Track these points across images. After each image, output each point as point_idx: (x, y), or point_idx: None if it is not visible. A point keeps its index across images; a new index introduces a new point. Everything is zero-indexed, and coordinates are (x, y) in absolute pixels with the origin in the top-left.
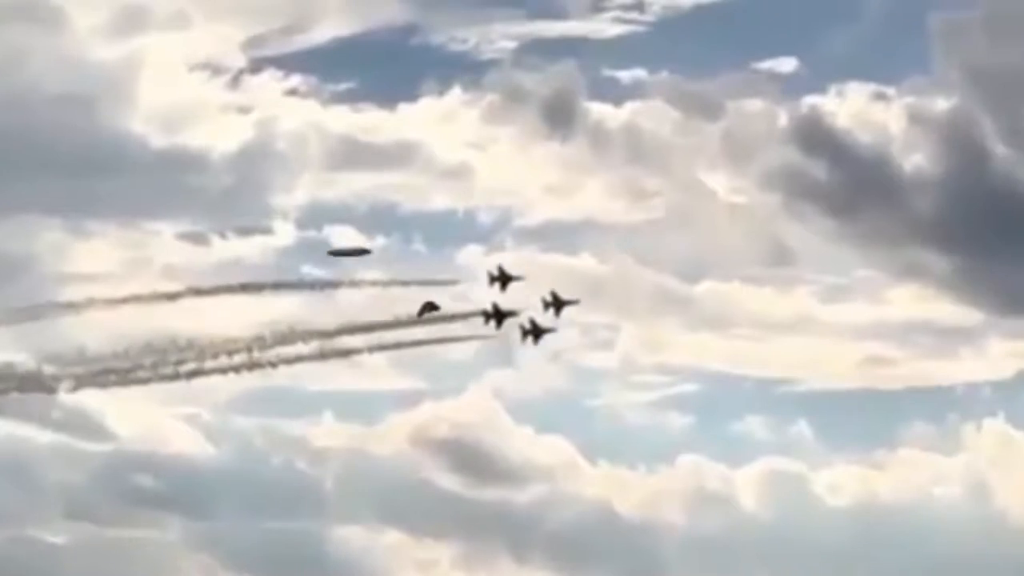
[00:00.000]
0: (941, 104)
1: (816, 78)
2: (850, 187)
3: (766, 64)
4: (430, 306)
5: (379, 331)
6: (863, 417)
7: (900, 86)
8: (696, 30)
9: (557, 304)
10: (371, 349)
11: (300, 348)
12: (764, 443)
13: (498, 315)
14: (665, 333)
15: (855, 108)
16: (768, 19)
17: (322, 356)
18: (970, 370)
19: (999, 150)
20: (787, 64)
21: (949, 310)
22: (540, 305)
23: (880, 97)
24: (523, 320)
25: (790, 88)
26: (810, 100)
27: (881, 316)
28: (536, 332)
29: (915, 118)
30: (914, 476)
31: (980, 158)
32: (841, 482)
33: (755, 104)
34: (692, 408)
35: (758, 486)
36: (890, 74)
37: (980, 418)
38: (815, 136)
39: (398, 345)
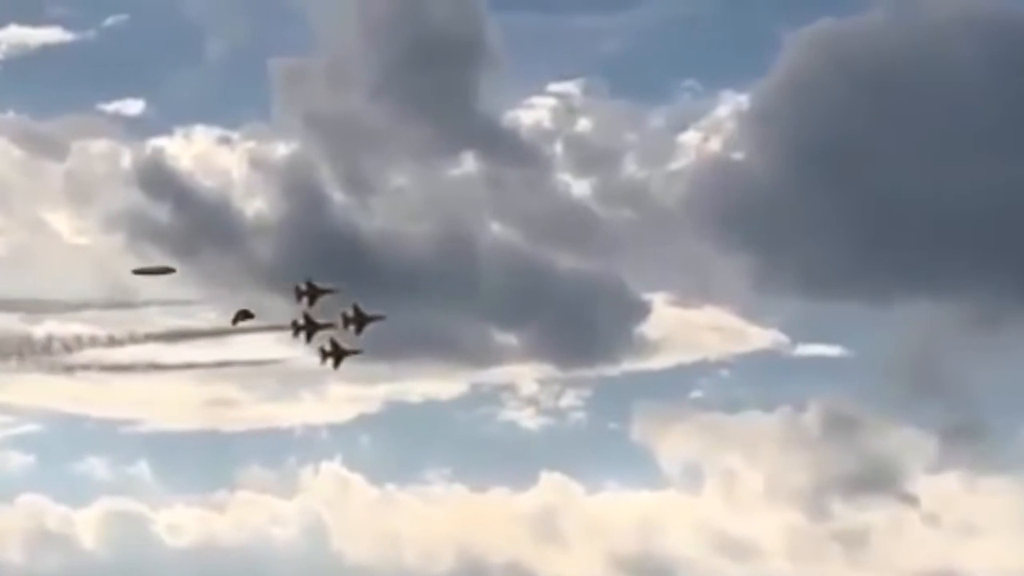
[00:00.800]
0: (281, 149)
1: (162, 120)
2: (192, 230)
3: (113, 106)
4: (244, 314)
5: None
6: (204, 458)
7: (242, 130)
8: (43, 71)
9: (360, 320)
10: None
11: None
12: (105, 483)
13: (309, 327)
14: (6, 373)
15: (199, 151)
16: (116, 61)
17: None
18: (310, 413)
19: (337, 196)
20: (134, 106)
21: (291, 352)
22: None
23: (224, 141)
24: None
25: (136, 130)
26: (155, 142)
27: (225, 357)
28: (338, 354)
29: (256, 163)
30: (253, 517)
31: (318, 203)
32: (181, 522)
33: (100, 145)
34: (33, 448)
35: (99, 526)
36: (234, 118)
37: (318, 460)
38: (159, 178)
39: None
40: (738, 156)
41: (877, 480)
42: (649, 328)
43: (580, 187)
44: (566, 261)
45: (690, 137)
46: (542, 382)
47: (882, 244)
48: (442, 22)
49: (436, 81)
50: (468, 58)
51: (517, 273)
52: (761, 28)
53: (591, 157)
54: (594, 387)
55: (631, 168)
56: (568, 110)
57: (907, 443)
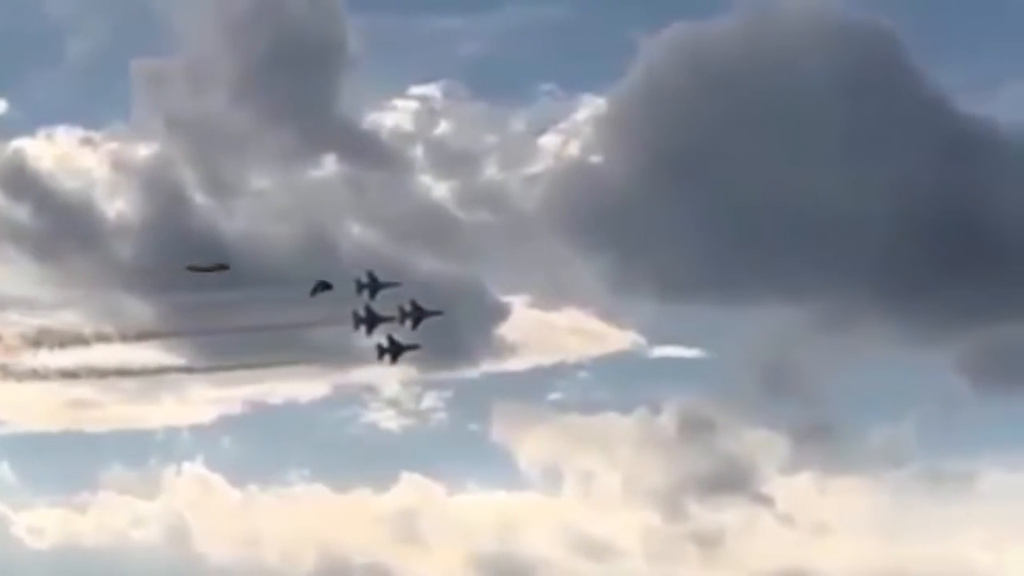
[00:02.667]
0: (143, 151)
1: (26, 121)
2: (54, 231)
3: None
4: (323, 285)
5: None
6: (66, 459)
7: (104, 131)
8: None
9: (417, 315)
10: None
11: None
12: None
13: (371, 319)
14: None
15: (61, 152)
16: None
17: None
18: (172, 414)
19: (198, 198)
20: None
21: (153, 355)
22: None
23: (86, 142)
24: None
25: None
26: (17, 143)
27: (87, 359)
28: (395, 350)
29: (118, 164)
30: (115, 518)
31: (180, 205)
32: (43, 524)
33: None
34: None
35: None
36: (96, 119)
37: (180, 462)
38: (21, 179)
39: None
40: (596, 159)
41: (732, 481)
42: (508, 330)
43: (440, 190)
44: (426, 263)
45: (550, 140)
46: (403, 384)
47: (737, 247)
48: (303, 24)
49: (297, 83)
50: (329, 61)
51: (380, 275)
52: (619, 32)
53: (451, 160)
54: (454, 389)
55: (491, 171)
56: (429, 113)
57: (761, 444)
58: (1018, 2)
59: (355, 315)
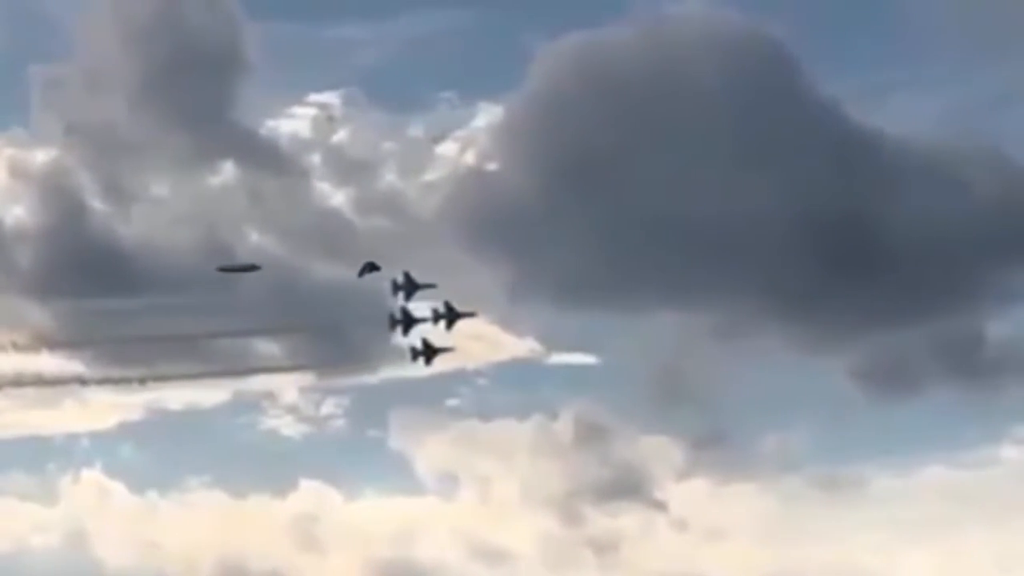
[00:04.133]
0: (40, 157)
1: None
2: None
3: None
4: (371, 266)
5: None
6: None
7: (2, 137)
8: None
9: (451, 316)
10: None
11: None
12: None
13: (407, 320)
14: None
15: None
16: None
17: None
18: (71, 420)
19: (96, 204)
20: None
21: (51, 361)
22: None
23: None
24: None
25: None
26: None
27: None
28: (429, 352)
29: (15, 170)
30: (13, 524)
31: (78, 211)
32: None
33: None
34: None
35: None
36: None
37: (79, 468)
38: None
39: None
40: (492, 167)
41: (627, 486)
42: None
43: (338, 197)
44: (325, 270)
45: (448, 148)
46: (302, 390)
47: (633, 255)
48: (201, 31)
49: (196, 90)
50: (227, 67)
51: (277, 282)
52: (516, 40)
53: (349, 167)
54: (353, 395)
55: (389, 178)
56: (327, 120)
57: (656, 450)
58: (907, 15)
59: (391, 316)
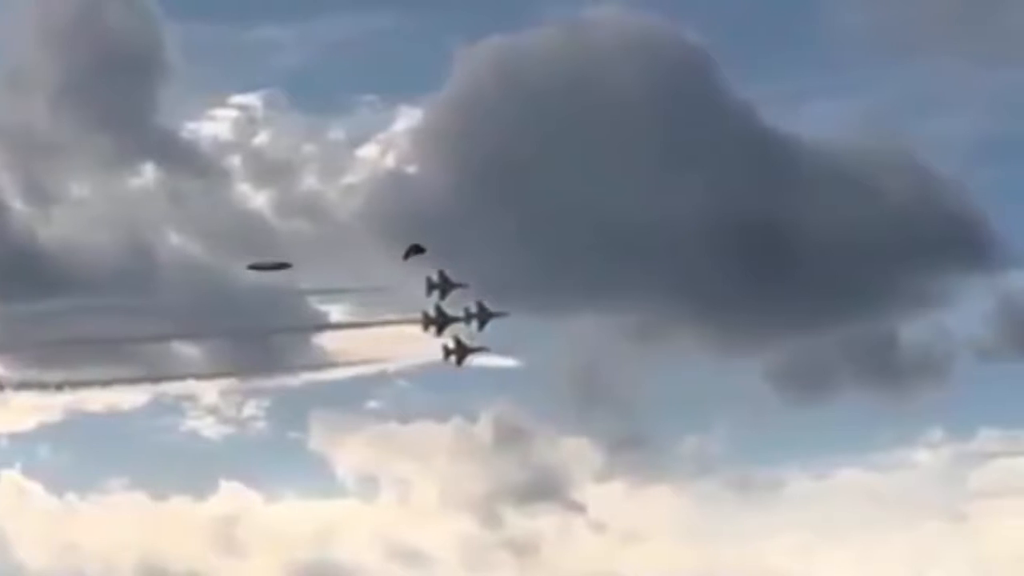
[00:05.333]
0: None
1: None
2: None
3: None
4: (416, 248)
5: None
6: None
7: None
8: None
9: (483, 316)
10: None
11: None
12: None
13: (441, 320)
14: None
15: None
16: None
17: None
18: None
19: (16, 205)
20: None
21: None
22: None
23: None
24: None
25: None
26: None
27: None
28: (461, 351)
29: None
30: None
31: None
32: None
33: None
34: None
35: None
36: None
37: None
38: None
39: None
40: (412, 170)
41: (546, 488)
42: (327, 339)
43: (258, 199)
44: (245, 273)
45: (369, 151)
46: (223, 392)
47: (552, 257)
48: (121, 33)
49: (116, 91)
50: (148, 69)
51: (197, 283)
52: (437, 43)
53: (270, 169)
54: (274, 397)
55: (310, 181)
56: (249, 122)
57: (575, 452)
58: (823, 21)
59: (425, 315)
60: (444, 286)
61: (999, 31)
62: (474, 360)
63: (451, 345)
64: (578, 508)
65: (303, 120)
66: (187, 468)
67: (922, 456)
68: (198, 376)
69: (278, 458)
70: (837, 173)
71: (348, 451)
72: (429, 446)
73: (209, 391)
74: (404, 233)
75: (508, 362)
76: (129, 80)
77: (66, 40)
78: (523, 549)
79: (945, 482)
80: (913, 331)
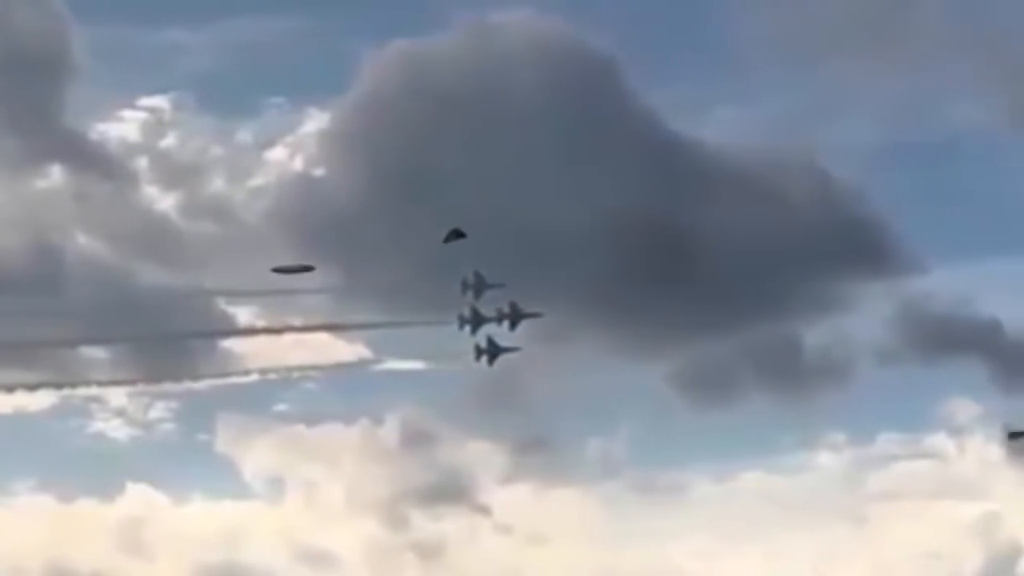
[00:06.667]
0: None
1: None
2: None
3: None
4: (456, 233)
5: None
6: None
7: None
8: None
9: (515, 316)
10: None
11: None
12: None
13: (476, 320)
14: None
15: None
16: None
17: None
18: None
19: None
20: None
21: None
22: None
23: None
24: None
25: None
26: None
27: None
28: (493, 351)
29: None
30: None
31: None
32: None
33: None
34: None
35: None
36: None
37: None
38: None
39: None
40: (319, 173)
41: (452, 491)
42: (234, 341)
43: (166, 201)
44: (152, 275)
45: (276, 153)
46: (131, 394)
47: (456, 260)
48: (28, 34)
49: (23, 93)
50: (56, 70)
51: (104, 286)
52: (345, 46)
53: (178, 171)
54: (182, 399)
55: (217, 183)
56: (157, 124)
57: (480, 455)
58: (729, 28)
59: (460, 316)
60: (479, 286)
61: (901, 37)
62: (382, 363)
63: (483, 345)
64: (483, 510)
65: (211, 122)
66: (94, 470)
67: (824, 459)
68: (107, 383)
69: (185, 460)
70: (741, 178)
71: (255, 453)
72: (336, 449)
73: (117, 394)
74: (311, 235)
75: (415, 365)
76: (37, 81)
77: None
78: (429, 551)
79: (846, 485)
80: (815, 335)
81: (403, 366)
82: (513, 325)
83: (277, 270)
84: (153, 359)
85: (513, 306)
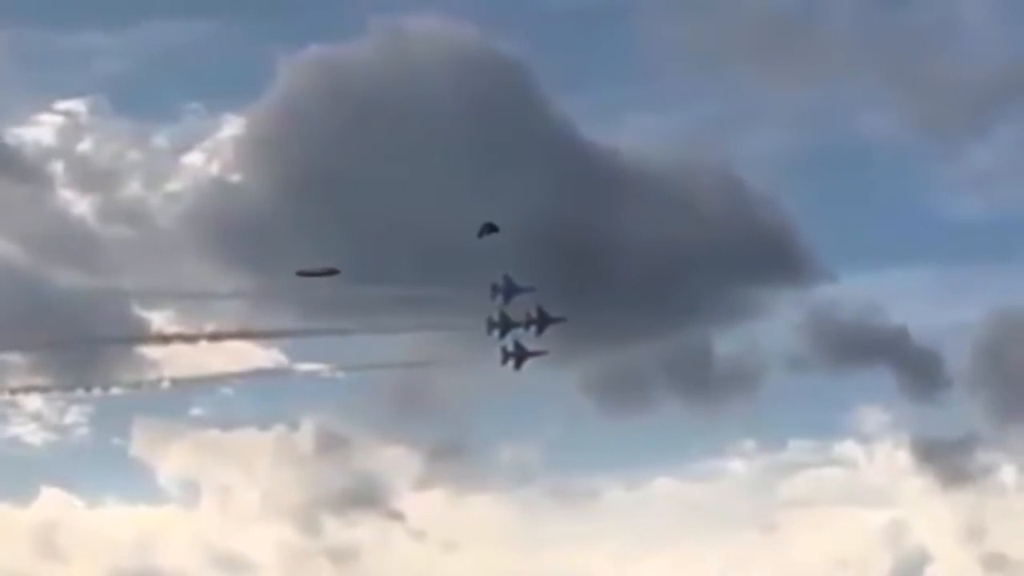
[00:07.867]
0: None
1: None
2: None
3: None
4: (489, 227)
5: None
6: None
7: None
8: None
9: (542, 321)
10: None
11: None
12: None
13: (504, 324)
14: None
15: None
16: None
17: None
18: None
19: None
20: None
21: None
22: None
23: None
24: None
25: None
26: None
27: None
28: (520, 355)
29: None
30: None
31: None
32: None
33: None
34: None
35: None
36: None
37: None
38: None
39: None
40: (235, 178)
41: (366, 497)
42: (149, 346)
43: (81, 205)
44: (68, 279)
45: (193, 158)
46: (46, 398)
47: (371, 267)
48: None
49: None
50: None
51: (19, 290)
52: (261, 51)
53: (93, 176)
54: (97, 404)
55: (133, 187)
56: (73, 128)
57: (395, 461)
58: (641, 36)
59: (489, 320)
60: (509, 290)
61: (812, 46)
62: (298, 368)
63: (510, 348)
64: (397, 516)
65: (127, 127)
66: (8, 474)
67: (734, 466)
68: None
69: (100, 464)
70: (653, 186)
71: (170, 458)
72: (251, 453)
73: (32, 397)
74: (227, 240)
75: (331, 371)
76: None
77: None
78: (343, 557)
79: (756, 492)
80: (726, 343)
81: (318, 370)
82: (540, 330)
83: (301, 273)
84: (68, 363)
85: (540, 310)
